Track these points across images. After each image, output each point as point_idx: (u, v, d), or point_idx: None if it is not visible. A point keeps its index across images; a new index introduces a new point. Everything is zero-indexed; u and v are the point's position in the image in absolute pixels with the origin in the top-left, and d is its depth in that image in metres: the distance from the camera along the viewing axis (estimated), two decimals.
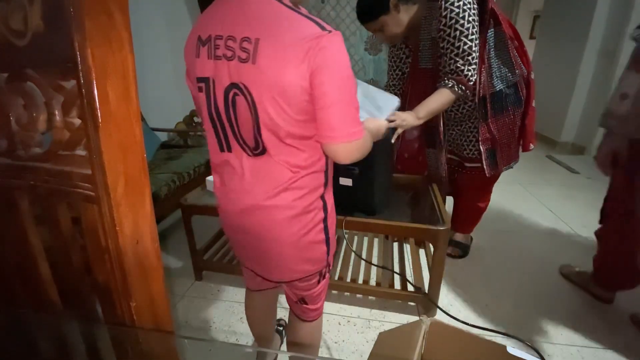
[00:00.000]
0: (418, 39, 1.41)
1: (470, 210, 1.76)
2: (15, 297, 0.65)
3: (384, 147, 1.29)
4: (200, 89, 0.69)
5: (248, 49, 0.61)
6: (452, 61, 1.27)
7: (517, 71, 1.40)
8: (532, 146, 1.55)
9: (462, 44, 1.23)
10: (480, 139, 1.49)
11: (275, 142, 0.67)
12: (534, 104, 1.50)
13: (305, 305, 0.91)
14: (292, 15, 0.61)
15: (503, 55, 1.39)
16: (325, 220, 0.79)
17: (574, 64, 3.55)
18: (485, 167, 1.53)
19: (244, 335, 1.32)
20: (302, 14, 0.62)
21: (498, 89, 1.42)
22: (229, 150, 0.73)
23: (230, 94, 0.65)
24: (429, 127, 1.44)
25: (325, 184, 0.78)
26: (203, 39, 0.66)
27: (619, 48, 3.18)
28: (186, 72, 0.73)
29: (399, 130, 1.29)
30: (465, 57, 1.24)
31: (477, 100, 1.42)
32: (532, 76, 1.47)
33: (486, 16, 1.32)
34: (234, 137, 0.70)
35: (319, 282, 0.86)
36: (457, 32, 1.22)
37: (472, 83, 1.27)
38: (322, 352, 1.23)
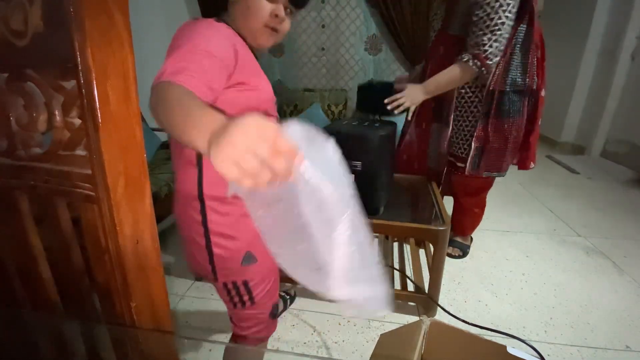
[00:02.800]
0: (457, 3, 1.35)
1: (467, 214, 1.75)
2: (15, 297, 0.65)
3: (387, 145, 1.29)
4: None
5: None
6: (481, 32, 1.23)
7: (527, 80, 1.37)
8: (532, 165, 1.54)
9: (496, 17, 1.20)
10: (475, 134, 1.46)
11: None
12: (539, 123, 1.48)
13: (233, 324, 0.85)
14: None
15: (523, 57, 1.36)
16: (204, 224, 0.70)
17: (574, 64, 3.55)
18: (467, 163, 1.50)
19: None
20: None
21: (507, 89, 1.40)
22: None
23: None
24: (440, 100, 1.42)
25: (199, 180, 0.69)
26: None
27: (619, 48, 3.18)
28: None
29: (412, 108, 1.26)
30: (495, 32, 1.20)
31: (485, 92, 1.39)
32: (543, 94, 1.44)
33: (527, 7, 1.28)
34: None
35: (234, 304, 0.78)
36: (497, 4, 1.19)
37: (490, 62, 1.23)
38: (322, 352, 1.23)
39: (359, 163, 1.24)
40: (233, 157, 0.31)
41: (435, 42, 1.51)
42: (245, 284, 0.76)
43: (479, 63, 1.24)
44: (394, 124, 1.38)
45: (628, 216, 2.24)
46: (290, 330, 1.32)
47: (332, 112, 2.89)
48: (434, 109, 1.56)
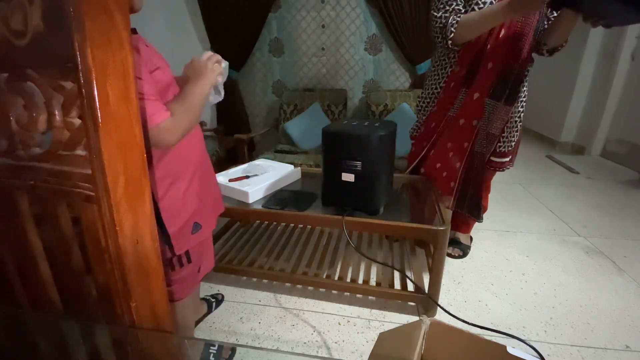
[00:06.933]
0: None
1: (481, 210, 1.72)
2: (15, 297, 0.65)
3: (387, 145, 1.29)
4: None
5: None
6: None
7: None
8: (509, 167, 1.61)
9: None
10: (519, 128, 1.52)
11: None
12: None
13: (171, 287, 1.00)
14: None
15: None
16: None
17: (574, 64, 3.55)
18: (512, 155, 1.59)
19: (244, 335, 1.32)
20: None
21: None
22: None
23: None
24: (506, 75, 1.35)
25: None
26: None
27: (619, 48, 3.18)
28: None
29: None
30: None
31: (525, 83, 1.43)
32: None
33: None
34: None
35: (172, 268, 0.94)
36: None
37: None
38: (322, 352, 1.23)
39: (359, 163, 1.24)
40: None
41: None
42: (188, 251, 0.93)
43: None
44: (394, 124, 1.38)
45: (628, 216, 2.24)
46: (290, 330, 1.32)
47: (332, 112, 2.89)
48: (495, 84, 1.40)
